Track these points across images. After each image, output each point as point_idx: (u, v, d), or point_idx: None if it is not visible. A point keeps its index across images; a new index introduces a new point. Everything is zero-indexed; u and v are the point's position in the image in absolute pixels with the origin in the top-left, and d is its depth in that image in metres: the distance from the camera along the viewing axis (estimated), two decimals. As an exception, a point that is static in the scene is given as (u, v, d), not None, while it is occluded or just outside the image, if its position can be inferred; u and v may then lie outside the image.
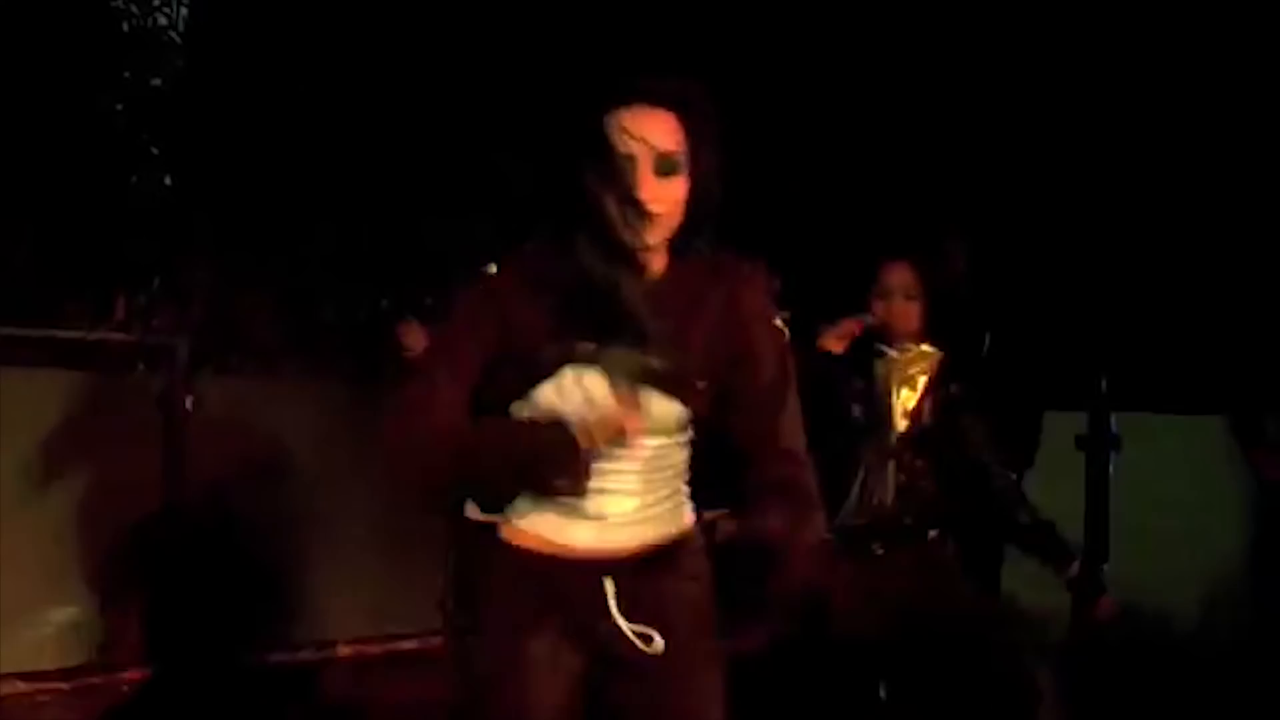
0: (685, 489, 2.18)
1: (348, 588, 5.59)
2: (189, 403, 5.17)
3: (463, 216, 6.48)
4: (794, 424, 2.12)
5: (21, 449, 4.88)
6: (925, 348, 3.35)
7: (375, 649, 5.64)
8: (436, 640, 4.37)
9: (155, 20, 7.87)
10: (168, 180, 7.94)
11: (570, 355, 1.99)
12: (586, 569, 2.06)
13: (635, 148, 1.97)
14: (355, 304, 6.79)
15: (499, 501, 2.14)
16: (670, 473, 2.12)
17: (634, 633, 2.04)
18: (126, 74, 7.77)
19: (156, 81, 7.93)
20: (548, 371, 2.01)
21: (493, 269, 2.08)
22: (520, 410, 2.05)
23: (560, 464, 1.97)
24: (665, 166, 1.99)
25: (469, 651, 2.51)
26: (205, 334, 5.89)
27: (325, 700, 5.05)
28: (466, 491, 2.64)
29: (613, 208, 1.94)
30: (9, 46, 6.78)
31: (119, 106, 7.74)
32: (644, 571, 2.07)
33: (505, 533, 2.13)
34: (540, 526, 2.08)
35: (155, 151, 7.82)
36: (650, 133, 1.99)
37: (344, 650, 5.61)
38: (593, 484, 2.01)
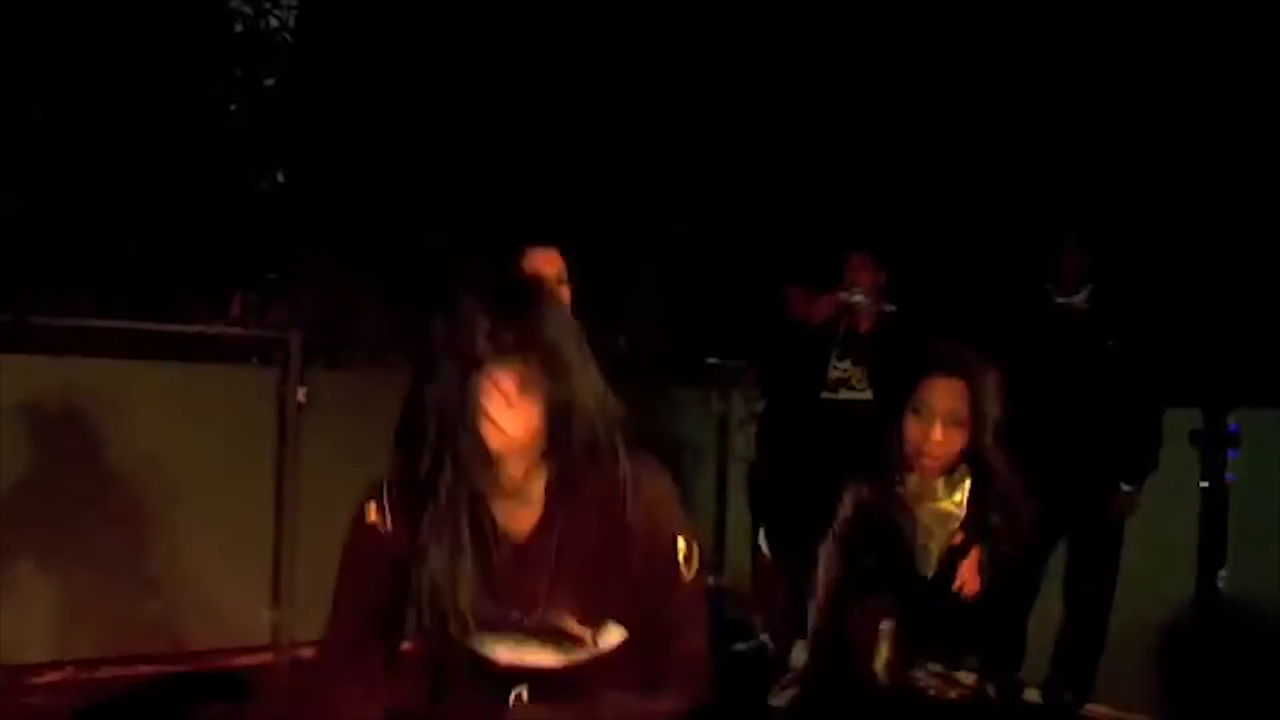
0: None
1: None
2: (301, 395, 5.25)
3: (571, 213, 6.50)
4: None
5: (140, 438, 5.02)
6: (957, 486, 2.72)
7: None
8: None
9: (267, 21, 8.02)
10: (280, 178, 8.10)
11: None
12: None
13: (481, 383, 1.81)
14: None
15: None
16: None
17: None
18: (239, 73, 7.93)
19: (269, 81, 8.09)
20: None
21: (371, 512, 1.98)
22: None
23: None
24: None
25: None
26: (317, 328, 5.97)
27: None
28: None
29: (459, 440, 1.81)
30: (126, 47, 6.94)
31: (232, 106, 7.90)
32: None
33: None
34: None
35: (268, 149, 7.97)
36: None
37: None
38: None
